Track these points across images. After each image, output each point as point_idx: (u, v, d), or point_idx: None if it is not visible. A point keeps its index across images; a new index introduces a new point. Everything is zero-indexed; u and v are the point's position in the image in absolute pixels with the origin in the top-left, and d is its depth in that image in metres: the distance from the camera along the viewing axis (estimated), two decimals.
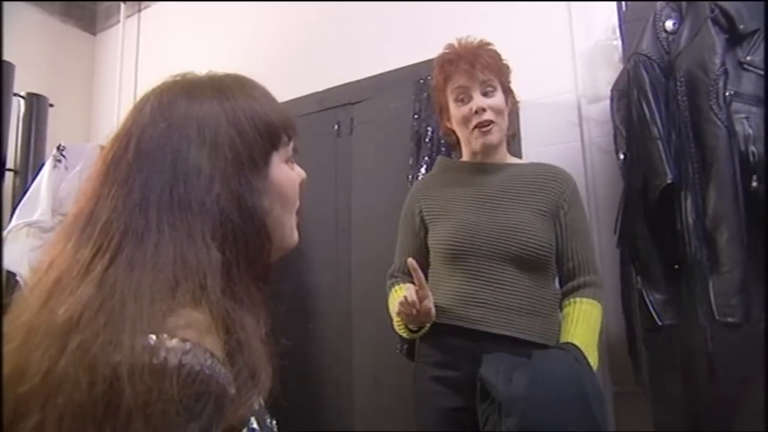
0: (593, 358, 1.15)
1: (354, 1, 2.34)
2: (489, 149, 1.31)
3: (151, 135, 0.53)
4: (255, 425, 0.51)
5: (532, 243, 1.21)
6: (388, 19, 2.25)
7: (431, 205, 1.34)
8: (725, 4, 1.31)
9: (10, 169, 2.56)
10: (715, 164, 1.27)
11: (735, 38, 1.31)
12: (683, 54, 1.37)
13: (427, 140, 1.78)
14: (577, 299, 1.23)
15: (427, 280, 1.21)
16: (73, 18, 3.27)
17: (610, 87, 1.63)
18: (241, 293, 0.51)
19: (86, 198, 0.52)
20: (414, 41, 2.04)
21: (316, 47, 2.44)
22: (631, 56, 1.45)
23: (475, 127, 1.28)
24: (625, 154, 1.51)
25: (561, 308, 1.26)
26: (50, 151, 2.48)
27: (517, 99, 1.41)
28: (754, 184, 1.24)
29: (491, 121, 1.27)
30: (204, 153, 0.52)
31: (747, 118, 1.27)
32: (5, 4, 1.97)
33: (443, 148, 1.71)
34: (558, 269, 1.28)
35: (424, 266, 1.29)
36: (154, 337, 0.41)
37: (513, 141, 1.46)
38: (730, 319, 1.22)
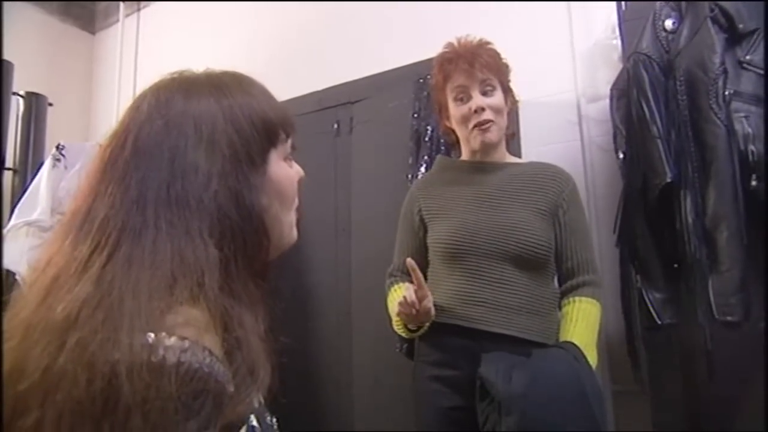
0: (592, 357, 1.15)
1: (353, 1, 2.34)
2: (488, 147, 1.31)
3: (148, 132, 0.52)
4: (254, 423, 0.51)
5: (532, 242, 1.21)
6: (388, 19, 2.25)
7: (430, 204, 1.34)
8: (725, 4, 1.31)
9: (9, 168, 2.56)
10: (715, 163, 1.27)
11: (734, 37, 1.31)
12: (683, 53, 1.37)
13: (426, 139, 1.78)
14: (577, 298, 1.23)
15: (426, 279, 1.21)
16: (73, 17, 3.26)
17: (609, 86, 1.63)
18: (239, 290, 0.51)
19: (84, 195, 0.52)
20: (413, 40, 2.04)
21: (315, 46, 2.44)
22: (631, 55, 1.45)
23: (475, 126, 1.28)
24: (624, 153, 1.51)
25: (560, 307, 1.26)
26: (49, 150, 2.48)
27: (517, 98, 1.41)
28: (754, 183, 1.24)
29: (490, 120, 1.27)
30: (201, 150, 0.52)
31: (746, 117, 1.27)
32: (5, 4, 1.97)
33: (443, 147, 1.71)
34: (557, 268, 1.28)
35: (423, 265, 1.29)
36: (152, 335, 0.41)
37: (512, 140, 1.46)
38: (729, 318, 1.22)
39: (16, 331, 0.44)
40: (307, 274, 2.16)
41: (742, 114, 1.27)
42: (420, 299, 1.12)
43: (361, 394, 1.91)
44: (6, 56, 2.34)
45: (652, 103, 1.38)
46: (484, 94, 1.28)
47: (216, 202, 0.51)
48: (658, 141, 1.35)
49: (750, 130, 1.26)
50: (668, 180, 1.33)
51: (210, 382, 0.42)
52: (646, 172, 1.38)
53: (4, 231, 2.23)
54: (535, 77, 1.78)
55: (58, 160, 2.38)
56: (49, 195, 2.30)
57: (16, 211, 2.30)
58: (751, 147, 1.25)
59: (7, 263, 2.13)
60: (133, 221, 0.48)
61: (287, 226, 0.61)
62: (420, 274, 1.13)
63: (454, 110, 1.30)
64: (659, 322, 1.36)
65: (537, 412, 1.04)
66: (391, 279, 1.39)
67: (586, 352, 1.13)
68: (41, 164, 2.45)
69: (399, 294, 1.23)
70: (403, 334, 1.29)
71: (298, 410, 1.55)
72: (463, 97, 1.29)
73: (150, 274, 0.45)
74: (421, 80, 1.82)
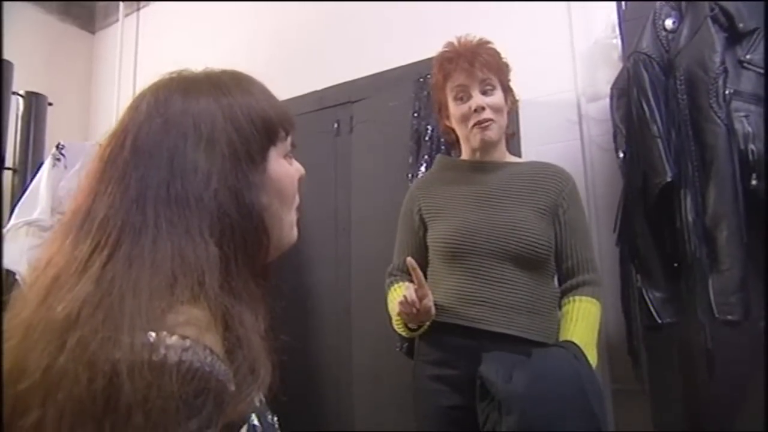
0: (592, 356, 1.15)
1: (353, 1, 2.34)
2: (488, 146, 1.31)
3: (147, 131, 0.52)
4: (255, 422, 0.51)
5: (532, 241, 1.21)
6: (388, 18, 2.25)
7: (430, 204, 1.34)
8: (725, 3, 1.31)
9: (9, 168, 2.56)
10: (715, 162, 1.27)
11: (734, 37, 1.31)
12: (683, 52, 1.37)
13: (426, 139, 1.78)
14: (577, 297, 1.23)
15: (426, 278, 1.21)
16: (72, 17, 3.26)
17: (609, 85, 1.63)
18: (240, 289, 0.51)
19: (84, 195, 0.52)
20: (413, 40, 2.04)
21: (315, 46, 2.44)
22: (631, 55, 1.45)
23: (475, 125, 1.28)
24: (624, 153, 1.51)
25: (560, 306, 1.26)
26: (49, 150, 2.48)
27: (517, 97, 1.41)
28: (754, 182, 1.24)
29: (490, 119, 1.27)
30: (201, 149, 0.52)
31: (746, 116, 1.27)
32: (5, 4, 1.97)
33: (443, 147, 1.71)
34: (557, 268, 1.28)
35: (423, 264, 1.29)
36: (153, 334, 0.41)
37: (512, 140, 1.46)
38: (729, 317, 1.22)
39: (16, 331, 0.44)
40: (308, 273, 2.16)
41: (742, 113, 1.27)
42: (420, 298, 1.12)
43: (361, 393, 1.91)
44: (6, 56, 2.35)
45: (653, 103, 1.38)
46: (484, 93, 1.28)
47: (216, 200, 0.50)
48: (658, 140, 1.35)
49: (750, 129, 1.26)
50: (668, 179, 1.33)
51: (211, 381, 0.42)
52: (646, 172, 1.38)
53: (4, 231, 2.23)
54: (535, 77, 1.78)
55: (58, 159, 2.38)
56: (49, 194, 2.29)
57: (16, 210, 2.30)
58: (751, 146, 1.25)
59: (7, 263, 2.12)
60: (133, 220, 0.48)
61: (287, 225, 0.61)
62: (420, 273, 1.13)
63: (454, 109, 1.30)
64: (659, 321, 1.36)
65: (537, 411, 1.04)
66: (391, 278, 1.39)
67: (586, 351, 1.13)
68: (41, 164, 2.45)
69: (399, 293, 1.23)
70: (404, 333, 1.29)
71: (297, 409, 1.54)
72: (463, 96, 1.29)
73: (150, 273, 0.45)
74: (421, 80, 1.83)
